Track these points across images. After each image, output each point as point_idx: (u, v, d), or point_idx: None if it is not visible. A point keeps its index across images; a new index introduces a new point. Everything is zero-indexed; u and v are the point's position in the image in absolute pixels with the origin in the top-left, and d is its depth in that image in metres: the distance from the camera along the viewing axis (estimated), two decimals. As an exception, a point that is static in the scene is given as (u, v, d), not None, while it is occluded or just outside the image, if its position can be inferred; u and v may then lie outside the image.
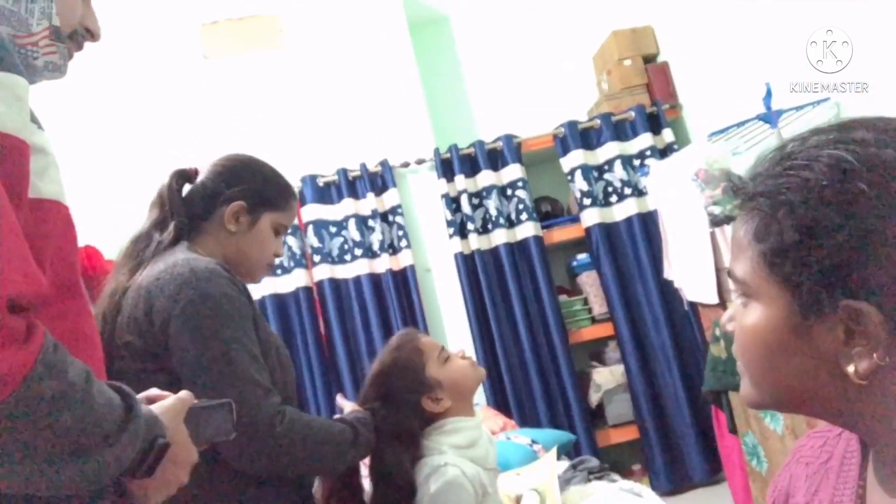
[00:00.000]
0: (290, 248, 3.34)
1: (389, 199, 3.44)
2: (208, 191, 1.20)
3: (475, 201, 3.46)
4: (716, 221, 2.36)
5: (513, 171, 3.44)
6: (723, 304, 2.46)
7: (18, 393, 0.54)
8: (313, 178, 3.40)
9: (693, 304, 2.80)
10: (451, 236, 3.39)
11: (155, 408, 0.72)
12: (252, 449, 1.02)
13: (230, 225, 1.19)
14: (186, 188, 1.23)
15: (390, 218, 3.44)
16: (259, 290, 3.23)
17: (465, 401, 1.30)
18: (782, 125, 2.34)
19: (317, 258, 3.36)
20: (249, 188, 1.20)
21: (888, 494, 0.53)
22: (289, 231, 2.82)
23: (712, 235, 2.45)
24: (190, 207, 1.20)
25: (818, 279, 0.51)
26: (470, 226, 3.39)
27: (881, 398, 0.51)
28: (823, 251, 0.50)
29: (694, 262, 2.59)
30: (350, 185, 3.44)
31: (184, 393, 0.77)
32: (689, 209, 2.52)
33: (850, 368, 0.51)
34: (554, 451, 2.17)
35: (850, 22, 1.94)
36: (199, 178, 1.23)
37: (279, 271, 3.34)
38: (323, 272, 3.33)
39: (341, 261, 3.39)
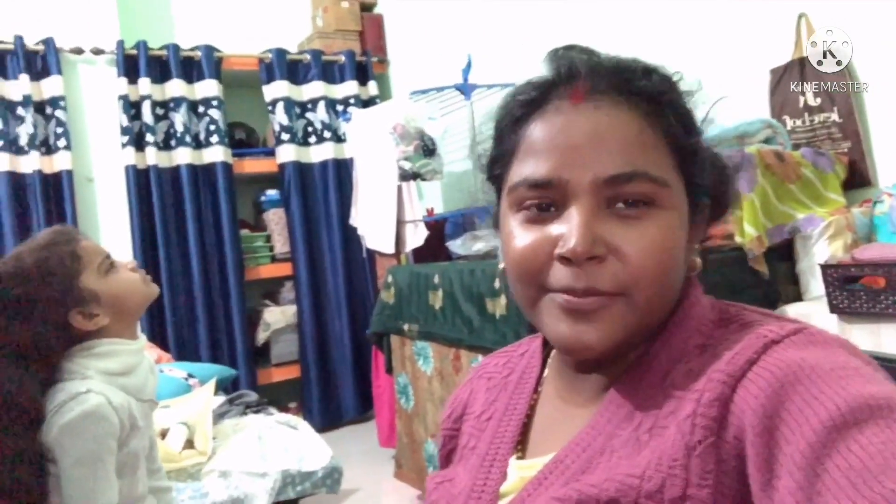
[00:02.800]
0: None
1: (50, 87, 2.88)
2: None
3: (159, 111, 3.09)
4: (404, 176, 2.48)
5: (208, 87, 3.15)
6: (398, 254, 2.61)
7: None
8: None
9: (371, 252, 2.92)
10: (124, 145, 2.98)
11: None
12: None
13: None
14: None
15: (48, 110, 2.88)
16: None
17: (128, 321, 1.14)
18: (474, 99, 2.54)
19: (-66, 140, 2.66)
20: None
21: (563, 401, 0.52)
22: None
23: (399, 189, 2.57)
24: None
25: (700, 162, 0.48)
26: (149, 137, 3.02)
27: None
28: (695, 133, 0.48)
29: (379, 212, 2.69)
30: (-5, 59, 2.79)
31: None
32: (383, 161, 2.60)
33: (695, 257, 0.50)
34: (211, 384, 2.07)
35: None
36: None
37: None
38: (-59, 159, 2.66)
39: (-30, 149, 2.74)
